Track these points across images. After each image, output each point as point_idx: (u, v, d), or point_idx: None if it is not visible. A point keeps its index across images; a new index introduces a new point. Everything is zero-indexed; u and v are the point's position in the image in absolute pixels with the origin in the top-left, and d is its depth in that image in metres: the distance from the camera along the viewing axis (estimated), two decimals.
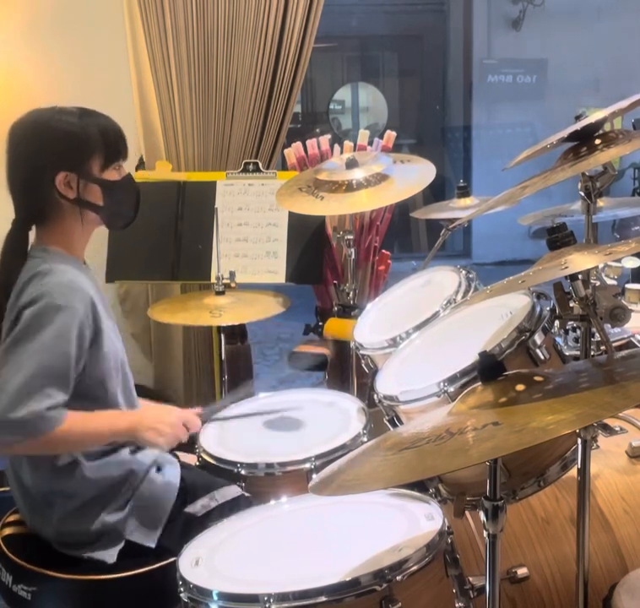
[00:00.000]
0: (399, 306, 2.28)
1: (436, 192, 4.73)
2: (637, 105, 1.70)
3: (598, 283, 2.17)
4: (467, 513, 1.78)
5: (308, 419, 2.17)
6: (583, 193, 1.77)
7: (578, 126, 1.65)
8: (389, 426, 1.80)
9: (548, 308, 1.67)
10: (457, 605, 1.45)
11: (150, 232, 2.95)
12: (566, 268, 1.36)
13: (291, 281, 2.96)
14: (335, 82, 9.62)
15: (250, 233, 3.01)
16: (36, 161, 1.75)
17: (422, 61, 9.62)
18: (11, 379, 1.60)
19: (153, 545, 1.78)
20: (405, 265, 6.51)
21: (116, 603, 1.76)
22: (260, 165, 3.06)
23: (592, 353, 1.72)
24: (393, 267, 3.36)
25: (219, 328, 2.87)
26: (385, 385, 1.84)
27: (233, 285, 2.82)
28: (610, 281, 2.55)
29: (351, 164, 2.58)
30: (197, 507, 1.85)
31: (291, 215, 2.91)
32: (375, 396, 1.84)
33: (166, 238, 3.04)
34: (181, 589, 1.45)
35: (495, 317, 1.78)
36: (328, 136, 3.24)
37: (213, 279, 2.85)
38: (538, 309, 1.67)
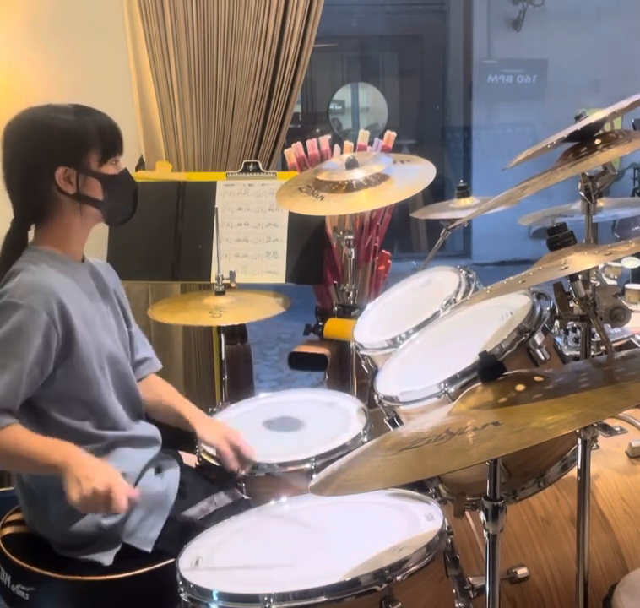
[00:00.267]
0: (399, 307, 2.28)
1: (436, 192, 4.73)
2: (637, 106, 1.70)
3: (598, 283, 2.16)
4: (467, 513, 1.77)
5: (308, 419, 2.17)
6: (582, 194, 1.77)
7: (578, 126, 1.65)
8: (389, 427, 1.80)
9: (548, 308, 1.67)
10: (457, 605, 1.45)
11: (150, 232, 2.95)
12: (566, 268, 1.36)
13: (291, 281, 2.96)
14: (335, 82, 9.63)
15: (250, 233, 3.01)
16: (34, 159, 1.75)
17: (422, 61, 9.63)
18: None
19: (149, 550, 1.77)
20: (405, 265, 6.52)
21: (115, 603, 1.76)
22: (260, 165, 3.06)
23: (592, 353, 1.72)
24: (393, 267, 3.35)
25: (219, 328, 2.87)
26: (385, 385, 1.84)
27: (233, 285, 2.82)
28: (610, 281, 2.55)
29: (351, 164, 2.58)
30: (196, 511, 1.84)
31: (291, 215, 2.91)
32: (375, 396, 1.84)
33: (166, 238, 3.04)
34: (181, 589, 1.45)
35: (495, 317, 1.78)
36: (328, 136, 3.24)
37: (213, 280, 2.84)
38: (538, 309, 1.67)
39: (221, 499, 1.86)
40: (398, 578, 1.35)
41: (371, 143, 3.22)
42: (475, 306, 1.87)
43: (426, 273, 2.36)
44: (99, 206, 1.81)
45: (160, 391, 2.05)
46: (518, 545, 1.80)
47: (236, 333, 3.07)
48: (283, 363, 4.88)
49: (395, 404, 1.76)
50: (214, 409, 2.42)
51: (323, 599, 1.34)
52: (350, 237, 2.69)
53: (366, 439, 1.99)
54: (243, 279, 2.90)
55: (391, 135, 3.25)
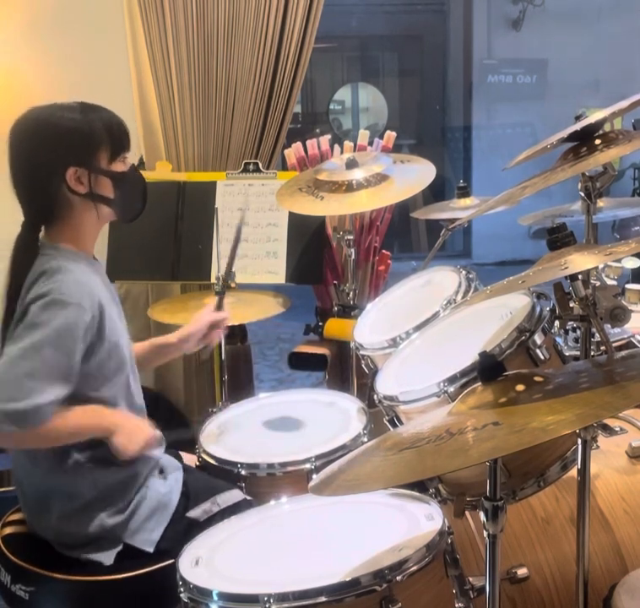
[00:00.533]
0: (399, 307, 2.28)
1: (436, 192, 4.73)
2: (637, 106, 1.70)
3: (598, 283, 2.17)
4: (467, 513, 1.78)
5: (308, 419, 2.17)
6: (582, 194, 1.77)
7: (578, 126, 1.65)
8: (389, 427, 1.80)
9: (548, 308, 1.67)
10: (457, 605, 1.45)
11: (150, 232, 2.95)
12: (566, 268, 1.36)
13: (291, 281, 2.96)
14: (335, 82, 9.63)
15: (250, 233, 3.01)
16: (43, 159, 1.74)
17: (422, 61, 9.63)
18: (14, 371, 1.60)
19: (151, 550, 1.77)
20: (405, 265, 6.51)
21: (115, 604, 1.76)
22: (260, 165, 3.06)
23: (592, 353, 1.72)
24: (393, 267, 3.36)
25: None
26: (385, 385, 1.84)
27: (233, 285, 2.82)
28: (610, 281, 2.55)
29: (351, 164, 2.58)
30: (199, 512, 1.84)
31: (291, 215, 2.91)
32: (375, 396, 1.84)
33: (166, 238, 3.04)
34: (181, 590, 1.45)
35: (495, 317, 1.78)
36: (328, 136, 3.24)
37: (213, 279, 2.84)
38: (538, 309, 1.67)
39: (224, 500, 1.86)
40: (398, 578, 1.35)
41: (371, 143, 3.22)
42: (475, 306, 1.87)
43: (426, 273, 2.36)
44: (110, 204, 1.80)
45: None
46: (518, 545, 1.80)
47: (236, 333, 3.07)
48: (283, 363, 4.88)
49: (395, 404, 1.76)
50: (214, 409, 2.42)
51: (323, 599, 1.34)
52: (350, 237, 2.69)
53: (366, 439, 1.99)
54: (243, 279, 2.90)
55: (391, 135, 3.25)
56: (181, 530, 1.78)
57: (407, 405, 1.72)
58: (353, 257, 2.73)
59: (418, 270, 2.48)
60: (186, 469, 1.95)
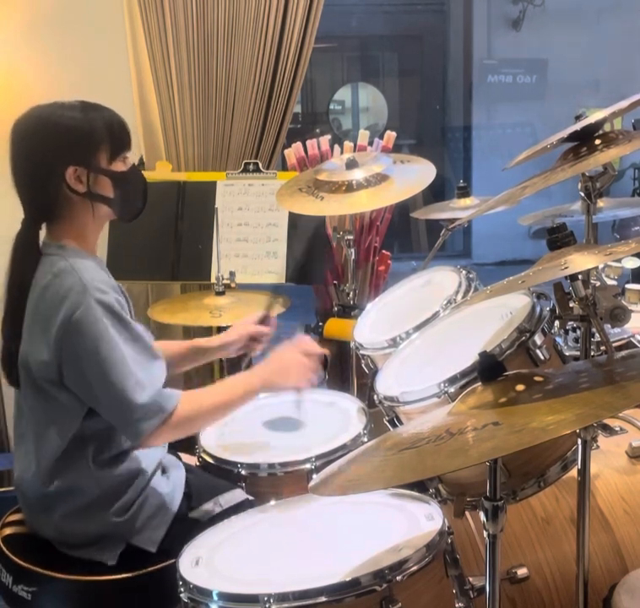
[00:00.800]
0: (399, 307, 2.28)
1: (436, 192, 4.73)
2: (637, 106, 1.69)
3: (598, 283, 2.16)
4: (467, 513, 1.78)
5: (308, 419, 2.17)
6: (583, 194, 1.76)
7: (578, 126, 1.65)
8: (389, 427, 1.80)
9: (548, 308, 1.67)
10: (457, 605, 1.45)
11: (150, 232, 2.95)
12: (566, 268, 1.36)
13: (291, 281, 2.96)
14: (335, 82, 9.62)
15: (250, 233, 3.01)
16: (43, 158, 1.74)
17: (422, 61, 9.62)
18: (114, 382, 1.64)
19: (154, 550, 1.77)
20: (405, 265, 6.51)
21: (116, 603, 1.76)
22: (260, 165, 3.06)
23: (592, 353, 1.72)
24: (393, 267, 3.36)
25: (219, 328, 2.87)
26: (385, 385, 1.84)
27: (233, 285, 2.82)
28: (610, 281, 2.55)
29: (351, 164, 2.58)
30: (202, 512, 1.84)
31: (291, 215, 2.91)
32: (375, 396, 1.84)
33: (166, 238, 3.04)
34: (181, 590, 1.45)
35: (495, 317, 1.77)
36: (328, 136, 3.24)
37: (213, 280, 2.85)
38: (538, 309, 1.67)
39: (227, 500, 1.86)
40: (398, 578, 1.35)
41: (371, 144, 3.23)
42: (475, 306, 1.87)
43: (426, 273, 2.36)
44: (110, 204, 1.80)
45: (163, 345, 2.10)
46: (518, 545, 1.80)
47: None
48: None
49: (395, 404, 1.76)
50: None
51: (323, 599, 1.34)
52: (350, 237, 2.69)
53: (366, 439, 1.99)
54: (243, 279, 2.90)
55: (391, 135, 3.25)
56: (184, 530, 1.78)
57: (407, 406, 1.72)
58: (353, 257, 2.73)
59: (418, 270, 2.48)
60: (188, 469, 1.95)
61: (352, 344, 2.27)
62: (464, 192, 2.87)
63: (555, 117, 6.61)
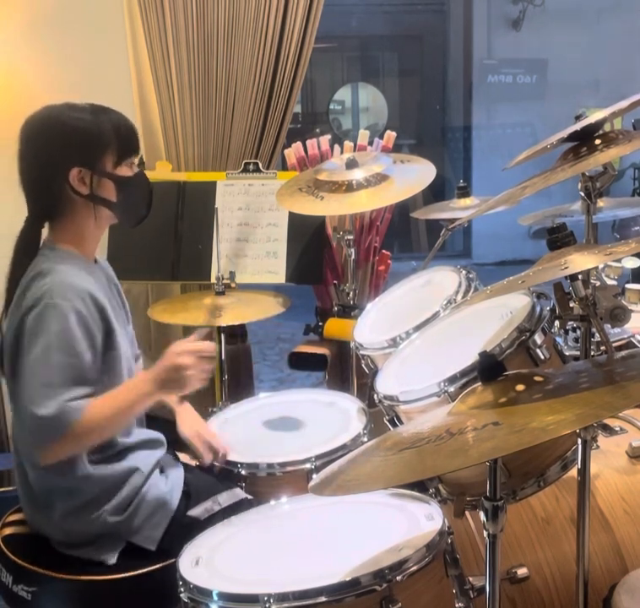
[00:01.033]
0: (399, 307, 2.28)
1: (436, 192, 4.73)
2: (637, 106, 1.69)
3: (598, 283, 2.17)
4: (467, 513, 1.77)
5: (308, 419, 2.17)
6: (583, 194, 1.76)
7: (578, 126, 1.65)
8: (389, 426, 1.80)
9: (548, 308, 1.67)
10: (457, 605, 1.45)
11: (150, 232, 2.95)
12: (566, 268, 1.36)
13: (291, 281, 2.96)
14: (335, 82, 9.62)
15: (250, 233, 3.01)
16: (49, 157, 1.74)
17: (422, 61, 9.62)
18: (33, 383, 1.62)
19: (153, 548, 1.78)
20: (405, 265, 6.52)
21: (116, 603, 1.76)
22: (260, 165, 3.06)
23: (592, 353, 1.72)
24: (393, 267, 3.36)
25: (220, 328, 2.87)
26: (385, 385, 1.84)
27: (233, 285, 2.82)
28: (610, 281, 2.55)
29: (351, 164, 2.58)
30: (200, 510, 1.84)
31: (291, 215, 2.91)
32: (375, 396, 1.84)
33: (166, 238, 3.04)
34: (182, 589, 1.45)
35: (495, 317, 1.78)
36: (328, 136, 3.24)
37: (213, 280, 2.84)
38: (538, 309, 1.67)
39: (225, 499, 1.86)
40: (398, 578, 1.36)
41: (371, 143, 3.22)
42: (475, 306, 1.87)
43: (426, 273, 2.36)
44: (112, 207, 1.80)
45: None
46: (518, 545, 1.80)
47: (236, 333, 3.07)
48: (283, 363, 4.88)
49: (395, 404, 1.76)
50: (214, 409, 2.42)
51: (323, 599, 1.34)
52: (350, 237, 2.69)
53: (366, 439, 1.99)
54: (243, 279, 2.90)
55: (391, 135, 3.25)
56: (183, 529, 1.78)
57: (407, 405, 1.72)
58: (353, 257, 2.73)
59: (418, 270, 2.48)
60: (187, 468, 1.95)
61: (352, 344, 2.27)
62: (464, 192, 2.87)
63: (555, 117, 6.61)
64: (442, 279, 2.21)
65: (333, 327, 2.77)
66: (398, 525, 1.53)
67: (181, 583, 1.46)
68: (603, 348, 1.98)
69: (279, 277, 2.95)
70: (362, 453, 1.36)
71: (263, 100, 3.15)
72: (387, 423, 1.82)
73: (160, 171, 3.12)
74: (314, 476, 1.86)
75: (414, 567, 1.38)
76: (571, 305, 1.54)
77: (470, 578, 1.48)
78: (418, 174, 2.62)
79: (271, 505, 1.73)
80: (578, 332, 2.04)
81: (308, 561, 1.48)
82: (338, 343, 2.85)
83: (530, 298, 1.72)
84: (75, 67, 3.12)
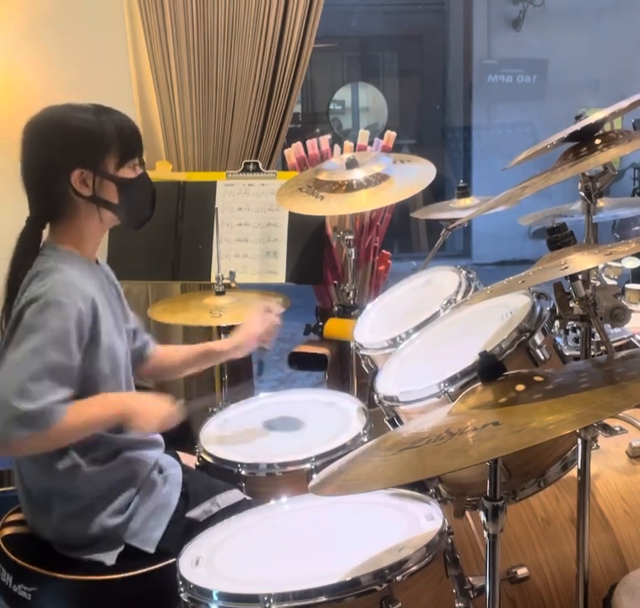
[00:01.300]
0: (399, 307, 2.28)
1: (436, 192, 4.73)
2: (637, 106, 1.69)
3: (598, 283, 2.17)
4: (467, 513, 1.77)
5: (308, 419, 2.17)
6: (583, 194, 1.77)
7: (578, 126, 1.65)
8: (389, 427, 1.80)
9: (548, 308, 1.67)
10: (457, 605, 1.45)
11: (150, 232, 2.93)
12: (567, 268, 1.36)
13: (291, 281, 2.97)
14: (335, 82, 9.63)
15: (250, 233, 3.01)
16: (51, 158, 1.74)
17: (422, 61, 9.63)
18: (19, 376, 1.59)
19: (152, 551, 1.77)
20: (405, 265, 6.51)
21: (116, 603, 1.76)
22: (260, 165, 3.06)
23: (592, 353, 1.72)
24: (393, 267, 3.36)
25: (219, 328, 2.87)
26: (385, 385, 1.84)
27: (233, 285, 2.82)
28: (610, 281, 2.55)
29: (351, 164, 2.58)
30: (199, 512, 1.84)
31: (291, 215, 2.91)
32: (375, 396, 1.84)
33: (166, 238, 3.05)
34: (181, 589, 1.45)
35: (495, 317, 1.77)
36: (328, 136, 3.24)
37: (213, 279, 2.85)
38: (538, 309, 1.67)
39: (224, 500, 1.86)
40: (398, 578, 1.35)
41: (371, 143, 3.22)
42: (475, 306, 1.87)
43: (426, 273, 2.36)
44: (114, 209, 1.80)
45: (172, 350, 2.17)
46: (518, 545, 1.80)
47: None
48: (283, 363, 4.87)
49: (395, 404, 1.76)
50: (214, 409, 2.42)
51: (323, 599, 1.33)
52: (350, 237, 2.69)
53: (366, 439, 1.99)
54: (243, 278, 2.90)
55: (391, 135, 3.25)
56: (182, 530, 1.78)
57: (407, 406, 1.72)
58: (353, 257, 2.73)
59: (418, 270, 2.48)
60: (185, 469, 1.95)
61: (352, 344, 2.27)
62: (464, 192, 2.87)
63: (555, 117, 6.61)
64: (442, 279, 2.21)
65: (333, 327, 2.77)
66: (398, 525, 1.53)
67: (181, 583, 1.46)
68: (603, 348, 1.98)
69: (279, 277, 2.95)
70: (362, 453, 1.36)
71: (263, 100, 3.16)
72: (387, 423, 1.82)
73: (160, 171, 3.12)
74: (314, 476, 1.86)
75: (415, 567, 1.38)
76: (571, 305, 1.54)
77: (470, 578, 1.48)
78: (418, 174, 2.62)
79: (271, 505, 1.73)
80: (578, 332, 2.04)
81: (308, 561, 1.48)
82: (338, 343, 2.85)
83: (530, 298, 1.72)
84: (75, 67, 3.12)
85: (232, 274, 2.83)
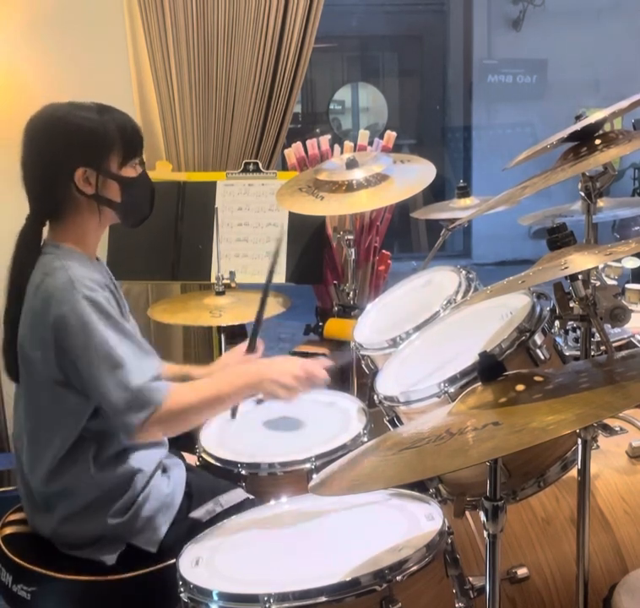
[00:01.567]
0: (399, 307, 2.28)
1: (436, 192, 4.73)
2: (637, 106, 1.69)
3: (598, 283, 2.17)
4: (467, 513, 1.78)
5: (308, 419, 2.17)
6: (583, 194, 1.77)
7: (578, 126, 1.65)
8: (389, 427, 1.80)
9: (548, 308, 1.67)
10: (457, 605, 1.45)
11: (150, 232, 2.95)
12: (567, 268, 1.36)
13: (291, 281, 2.97)
14: (335, 82, 9.62)
15: (250, 233, 3.01)
16: (54, 156, 1.73)
17: (422, 61, 9.62)
18: (102, 375, 1.65)
19: (154, 550, 1.77)
20: (405, 265, 6.51)
21: (116, 603, 1.76)
22: (260, 165, 3.06)
23: (592, 353, 1.72)
24: (393, 267, 3.36)
25: (219, 328, 2.87)
26: (385, 386, 1.84)
27: (233, 285, 2.82)
28: (610, 281, 2.55)
29: (351, 164, 2.58)
30: (202, 512, 1.84)
31: (291, 215, 2.91)
32: (375, 396, 1.84)
33: (166, 238, 3.05)
34: (182, 589, 1.45)
35: (495, 317, 1.78)
36: (328, 136, 3.24)
37: (213, 279, 2.85)
38: (538, 309, 1.67)
39: (227, 500, 1.86)
40: (398, 578, 1.35)
41: (371, 143, 3.23)
42: (475, 306, 1.87)
43: (426, 273, 2.36)
44: (116, 208, 1.80)
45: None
46: (518, 545, 1.80)
47: (236, 333, 3.07)
48: None
49: (395, 404, 1.76)
50: None
51: (323, 599, 1.33)
52: (350, 237, 2.69)
53: (366, 439, 1.99)
54: (243, 278, 2.90)
55: (391, 135, 3.25)
56: (184, 530, 1.78)
57: (407, 406, 1.72)
58: (353, 257, 2.73)
59: (418, 270, 2.48)
60: (189, 468, 1.95)
61: (352, 345, 2.27)
62: (464, 192, 2.87)
63: (555, 117, 6.61)
64: (442, 279, 2.21)
65: (333, 327, 2.77)
66: (398, 525, 1.53)
67: (181, 583, 1.46)
68: (603, 348, 1.98)
69: (279, 277, 2.95)
70: (362, 453, 1.36)
71: (263, 100, 3.16)
72: (387, 423, 1.82)
73: (160, 171, 3.12)
74: (314, 476, 1.86)
75: (415, 567, 1.38)
76: (571, 305, 1.54)
77: (470, 578, 1.48)
78: (418, 174, 2.62)
79: (271, 505, 1.73)
80: (578, 332, 2.04)
81: (308, 561, 1.48)
82: (338, 343, 2.84)
83: (530, 298, 1.72)
84: (75, 67, 3.12)
85: (232, 274, 2.83)
